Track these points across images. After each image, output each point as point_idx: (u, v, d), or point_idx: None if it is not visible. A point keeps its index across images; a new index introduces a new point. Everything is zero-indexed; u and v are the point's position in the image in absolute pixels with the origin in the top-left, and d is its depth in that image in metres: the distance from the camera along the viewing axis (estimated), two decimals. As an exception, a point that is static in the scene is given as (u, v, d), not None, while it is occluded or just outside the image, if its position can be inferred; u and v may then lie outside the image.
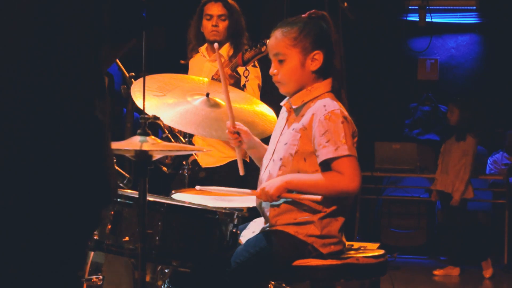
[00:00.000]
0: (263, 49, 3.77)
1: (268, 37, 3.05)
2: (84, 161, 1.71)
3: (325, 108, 2.84)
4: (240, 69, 4.14)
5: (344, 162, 2.78)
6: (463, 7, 9.77)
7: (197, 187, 3.09)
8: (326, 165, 2.83)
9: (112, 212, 2.77)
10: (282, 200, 2.88)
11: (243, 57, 3.87)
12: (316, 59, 2.92)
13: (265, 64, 3.10)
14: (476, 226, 8.38)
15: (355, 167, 2.79)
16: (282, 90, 3.02)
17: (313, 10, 2.99)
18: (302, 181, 2.83)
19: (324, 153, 2.80)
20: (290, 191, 2.84)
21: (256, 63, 4.43)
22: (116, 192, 1.84)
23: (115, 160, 3.22)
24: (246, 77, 4.28)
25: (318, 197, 2.78)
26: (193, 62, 4.76)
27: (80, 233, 1.77)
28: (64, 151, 1.67)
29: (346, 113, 2.87)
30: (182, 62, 4.80)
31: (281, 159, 2.92)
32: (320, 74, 2.95)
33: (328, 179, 2.79)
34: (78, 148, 1.70)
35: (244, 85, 4.22)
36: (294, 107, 2.98)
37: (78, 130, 1.70)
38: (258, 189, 2.89)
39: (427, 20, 9.47)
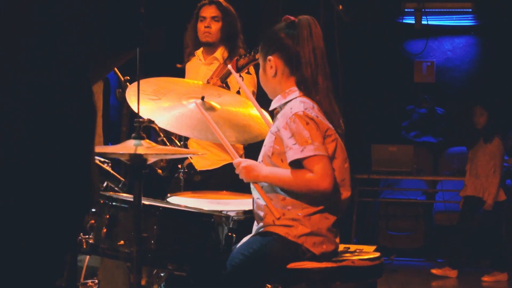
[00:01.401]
0: (257, 56, 3.80)
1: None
2: (79, 164, 1.71)
3: (291, 110, 2.90)
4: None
5: (313, 161, 2.82)
6: (459, 10, 9.76)
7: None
8: (298, 166, 2.86)
9: (108, 216, 2.78)
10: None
11: (237, 64, 3.88)
12: (271, 65, 3.02)
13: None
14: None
15: (324, 166, 2.83)
16: (269, 96, 3.16)
17: (285, 17, 3.07)
18: (278, 178, 2.90)
19: (291, 155, 2.85)
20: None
21: (252, 70, 4.44)
22: (97, 200, 1.83)
23: (110, 164, 3.24)
24: None
25: (277, 215, 2.87)
26: (190, 66, 4.77)
27: (64, 240, 1.76)
28: (62, 152, 1.67)
29: (313, 113, 2.89)
30: (179, 66, 4.81)
31: (261, 161, 2.99)
32: (288, 76, 3.01)
33: (301, 178, 2.84)
34: (76, 149, 1.70)
35: (238, 92, 4.23)
36: (277, 110, 3.05)
37: (76, 131, 1.70)
38: (243, 162, 2.98)
39: (423, 22, 9.46)
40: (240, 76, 4.08)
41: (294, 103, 2.93)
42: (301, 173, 2.84)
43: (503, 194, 7.64)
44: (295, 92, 2.98)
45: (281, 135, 2.89)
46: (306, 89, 2.97)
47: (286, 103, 2.98)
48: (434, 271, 7.73)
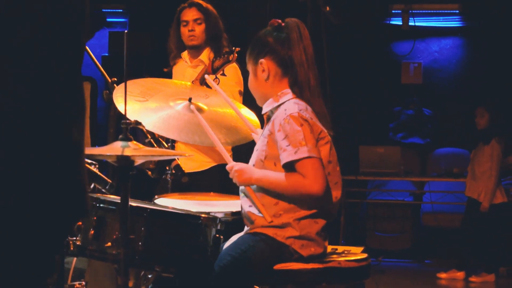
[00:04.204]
0: (230, 58, 3.87)
1: (250, 43, 3.11)
2: (78, 165, 1.72)
3: (285, 112, 2.90)
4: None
5: (306, 164, 2.82)
6: (446, 11, 9.81)
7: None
8: (291, 169, 2.86)
9: (95, 218, 2.77)
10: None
11: (213, 66, 3.91)
12: (264, 68, 3.01)
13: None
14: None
15: (317, 169, 2.83)
16: (257, 102, 3.14)
17: (271, 21, 3.06)
18: (270, 181, 2.90)
19: (285, 156, 2.85)
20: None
21: (238, 69, 4.45)
22: (88, 204, 1.83)
23: (97, 166, 3.23)
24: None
25: (268, 219, 2.87)
26: (176, 69, 4.77)
27: (59, 239, 1.76)
28: (62, 153, 1.67)
29: (307, 115, 2.90)
30: (165, 70, 4.81)
31: (253, 165, 2.99)
32: (280, 79, 3.00)
33: (292, 182, 2.84)
34: (74, 150, 1.70)
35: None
36: (267, 114, 3.05)
37: (73, 132, 1.71)
38: (236, 166, 2.96)
39: (410, 24, 9.50)
40: (216, 77, 4.10)
41: (288, 104, 2.93)
42: (294, 176, 2.84)
43: (500, 196, 7.63)
44: (288, 94, 2.98)
45: (275, 137, 2.89)
46: (300, 90, 2.97)
47: (279, 105, 2.97)
48: (440, 275, 7.70)
